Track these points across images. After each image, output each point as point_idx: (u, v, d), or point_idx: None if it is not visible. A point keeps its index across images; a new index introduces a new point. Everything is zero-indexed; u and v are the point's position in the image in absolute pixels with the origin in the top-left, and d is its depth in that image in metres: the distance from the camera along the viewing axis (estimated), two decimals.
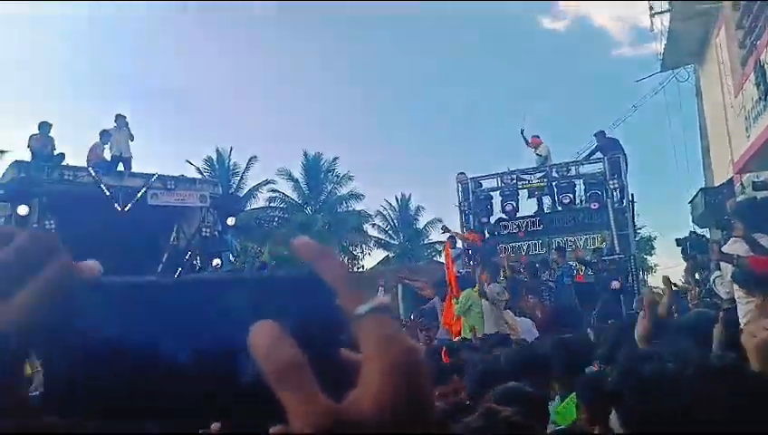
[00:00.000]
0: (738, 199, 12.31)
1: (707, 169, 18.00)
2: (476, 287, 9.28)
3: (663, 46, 16.26)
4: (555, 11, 64.63)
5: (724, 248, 5.21)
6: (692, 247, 9.83)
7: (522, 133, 16.25)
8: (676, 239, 10.63)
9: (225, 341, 0.39)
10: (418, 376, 0.38)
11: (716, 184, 16.11)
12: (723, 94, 13.39)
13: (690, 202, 16.54)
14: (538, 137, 16.09)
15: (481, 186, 16.39)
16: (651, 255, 33.80)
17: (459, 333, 9.32)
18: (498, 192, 15.96)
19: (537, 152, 15.93)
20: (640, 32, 44.56)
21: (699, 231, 14.45)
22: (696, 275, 11.43)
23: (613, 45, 63.39)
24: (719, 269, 6.17)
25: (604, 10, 54.75)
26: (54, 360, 0.39)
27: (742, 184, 12.89)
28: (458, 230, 15.26)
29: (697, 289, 11.06)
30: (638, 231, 30.16)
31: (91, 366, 0.38)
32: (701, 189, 16.17)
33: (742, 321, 4.54)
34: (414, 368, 0.38)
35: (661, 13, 15.42)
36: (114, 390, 0.38)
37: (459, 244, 14.62)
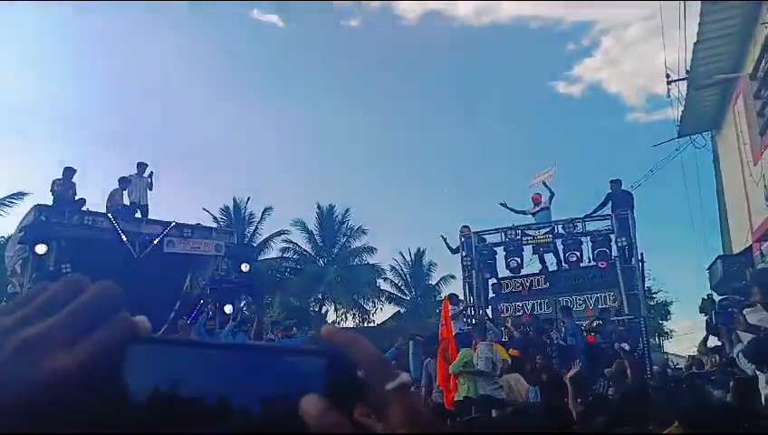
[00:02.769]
0: (758, 268, 12.18)
1: (725, 235, 17.86)
2: (474, 347, 9.01)
3: (680, 112, 16.41)
4: (569, 76, 65.56)
5: (748, 318, 5.14)
6: (715, 314, 9.63)
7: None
8: (702, 304, 10.39)
9: (267, 409, 0.41)
10: None
11: (735, 250, 15.94)
12: (741, 162, 13.40)
13: (708, 269, 16.34)
14: (540, 194, 15.72)
15: (485, 241, 15.99)
16: (667, 319, 33.16)
17: (452, 396, 9.01)
18: (502, 247, 15.56)
19: (541, 207, 15.53)
20: (656, 98, 44.99)
21: (717, 298, 14.24)
22: (709, 343, 11.19)
23: (628, 110, 63.99)
24: (741, 342, 6.03)
25: (619, 76, 55.50)
26: (99, 410, 0.40)
27: (761, 252, 12.75)
28: (460, 293, 14.96)
29: (716, 357, 10.80)
30: (654, 295, 29.79)
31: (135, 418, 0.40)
32: (719, 257, 15.99)
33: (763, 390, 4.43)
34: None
35: (678, 80, 15.62)
36: None
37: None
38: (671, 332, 33.74)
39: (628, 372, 5.88)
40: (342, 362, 0.44)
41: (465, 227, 16.03)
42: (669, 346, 32.18)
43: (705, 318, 10.14)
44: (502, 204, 15.98)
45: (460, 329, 11.87)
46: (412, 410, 0.44)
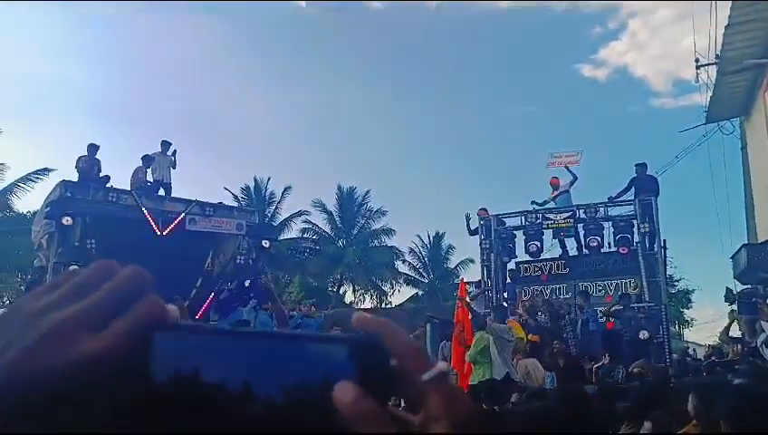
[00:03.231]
0: None
1: (751, 223, 17.58)
2: (488, 328, 8.95)
3: (708, 98, 16.11)
4: (595, 59, 64.59)
5: None
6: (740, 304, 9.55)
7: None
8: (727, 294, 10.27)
9: (297, 398, 0.41)
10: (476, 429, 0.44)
11: (760, 239, 15.70)
12: None
13: (732, 257, 16.11)
14: (557, 178, 15.45)
15: (504, 224, 15.70)
16: (688, 308, 32.86)
17: (466, 379, 8.93)
18: (522, 231, 15.30)
19: (560, 191, 15.26)
20: (683, 83, 44.15)
21: (741, 288, 14.06)
22: (731, 333, 11.07)
23: (654, 95, 62.94)
24: (765, 332, 5.97)
25: (646, 60, 54.50)
26: (125, 395, 0.40)
27: None
28: (478, 275, 14.83)
29: (738, 346, 10.70)
30: (676, 283, 29.49)
31: (158, 404, 0.40)
32: (744, 245, 15.76)
33: None
34: (476, 427, 0.43)
35: (707, 65, 15.31)
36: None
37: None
38: (692, 320, 33.52)
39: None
40: (375, 351, 0.42)
41: (482, 209, 15.81)
42: (690, 335, 32.00)
43: (730, 308, 10.04)
44: (534, 203, 15.79)
45: (476, 312, 11.86)
46: (451, 402, 0.42)
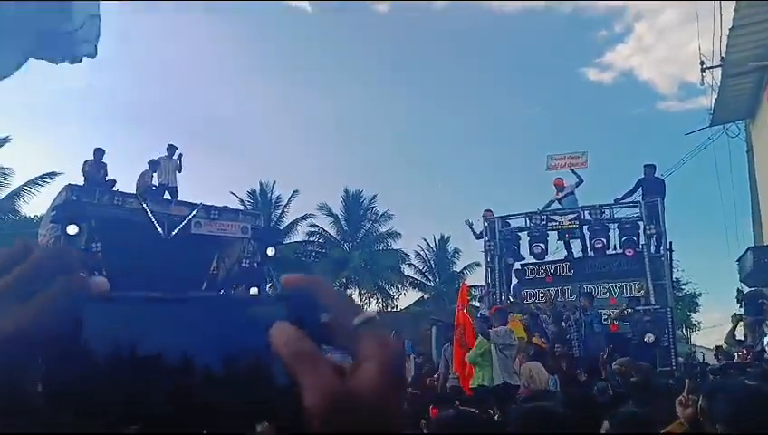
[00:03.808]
0: None
1: (757, 226, 17.50)
2: (491, 338, 8.68)
3: (713, 101, 16.06)
4: (601, 62, 64.55)
5: None
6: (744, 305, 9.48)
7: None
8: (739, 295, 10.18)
9: (232, 358, 0.43)
10: (402, 368, 0.50)
11: (766, 242, 15.62)
12: None
13: (738, 260, 16.03)
14: (561, 179, 15.29)
15: (509, 225, 15.56)
16: (695, 311, 32.69)
17: (468, 381, 8.89)
18: (526, 232, 15.15)
19: (565, 193, 15.11)
20: (689, 86, 44.02)
21: (747, 290, 13.99)
22: (738, 336, 10.98)
23: (660, 98, 62.75)
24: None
25: (651, 63, 54.41)
26: (54, 365, 0.41)
27: None
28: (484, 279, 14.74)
29: (745, 350, 10.62)
30: (683, 287, 29.33)
31: (88, 374, 0.41)
32: (750, 248, 15.68)
33: None
34: (399, 363, 0.48)
35: (712, 68, 15.27)
36: (93, 392, 0.41)
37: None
38: (699, 324, 33.31)
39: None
40: (307, 305, 0.45)
41: (487, 210, 15.68)
42: (697, 338, 31.78)
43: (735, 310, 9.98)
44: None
45: (480, 314, 11.82)
46: (380, 344, 0.45)
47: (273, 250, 14.97)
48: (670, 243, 14.33)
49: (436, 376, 11.31)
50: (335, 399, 0.42)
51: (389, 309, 31.44)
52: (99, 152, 14.02)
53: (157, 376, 0.42)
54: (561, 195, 15.23)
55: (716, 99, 15.71)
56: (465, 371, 9.26)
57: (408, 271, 33.80)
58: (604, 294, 14.08)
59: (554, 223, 15.02)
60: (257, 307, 0.45)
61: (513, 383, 7.99)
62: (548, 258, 15.26)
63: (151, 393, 0.42)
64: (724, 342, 11.36)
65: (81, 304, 0.42)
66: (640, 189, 14.47)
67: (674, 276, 16.67)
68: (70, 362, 0.41)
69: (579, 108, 53.08)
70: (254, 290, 14.13)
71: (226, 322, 0.44)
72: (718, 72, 15.04)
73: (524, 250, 15.30)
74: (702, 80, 16.13)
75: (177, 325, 0.44)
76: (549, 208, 15.35)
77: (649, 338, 11.31)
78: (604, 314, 12.62)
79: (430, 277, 34.25)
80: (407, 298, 33.45)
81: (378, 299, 32.88)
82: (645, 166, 14.65)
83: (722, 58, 14.34)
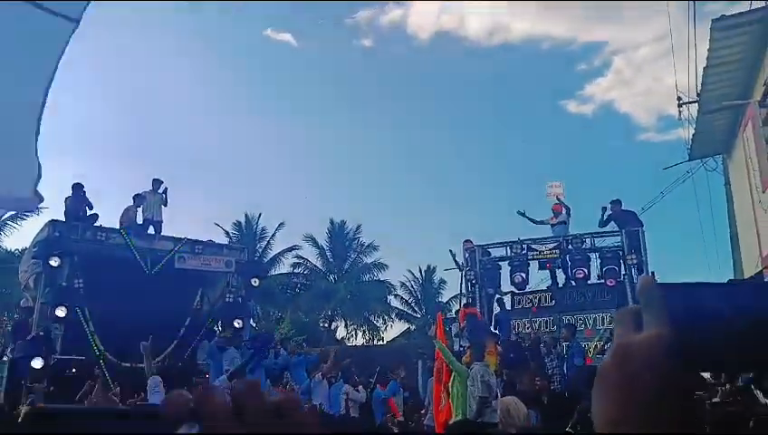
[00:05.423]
0: None
1: (737, 258, 17.71)
2: (471, 375, 8.27)
3: (691, 134, 16.37)
4: (581, 95, 65.56)
5: None
6: None
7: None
8: None
9: None
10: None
11: (746, 274, 15.80)
12: (750, 188, 13.34)
13: None
14: (560, 204, 15.29)
15: (489, 254, 15.42)
16: None
17: (442, 417, 8.67)
18: (507, 262, 15.01)
19: (560, 220, 15.09)
20: (667, 118, 44.82)
21: None
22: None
23: (639, 130, 63.75)
24: None
25: (630, 96, 55.37)
26: None
27: None
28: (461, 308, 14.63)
29: (728, 386, 10.64)
30: None
31: None
32: (730, 280, 15.84)
33: None
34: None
35: (689, 103, 15.60)
36: None
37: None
38: None
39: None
40: None
41: (467, 241, 15.65)
42: None
43: None
44: (520, 213, 15.41)
45: (461, 347, 11.73)
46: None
47: (258, 281, 14.96)
48: (652, 273, 14.40)
49: (423, 411, 11.26)
50: None
51: (376, 341, 31.28)
52: (77, 187, 13.94)
53: None
54: (555, 220, 15.23)
55: (693, 133, 16.01)
56: (441, 405, 9.01)
57: (394, 302, 33.74)
58: (588, 324, 13.99)
59: (535, 252, 14.99)
60: None
61: (492, 421, 7.91)
62: (530, 288, 15.19)
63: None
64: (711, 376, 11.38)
65: None
66: (613, 223, 14.53)
67: None
68: None
69: (560, 140, 53.72)
70: (237, 322, 14.07)
71: None
72: (695, 107, 15.37)
73: (505, 280, 15.10)
74: (679, 114, 16.47)
75: None
76: (527, 238, 15.35)
77: None
78: (586, 345, 12.61)
79: (416, 308, 34.16)
80: (393, 330, 33.32)
81: (364, 331, 32.71)
82: (611, 202, 14.69)
83: (698, 94, 14.67)
